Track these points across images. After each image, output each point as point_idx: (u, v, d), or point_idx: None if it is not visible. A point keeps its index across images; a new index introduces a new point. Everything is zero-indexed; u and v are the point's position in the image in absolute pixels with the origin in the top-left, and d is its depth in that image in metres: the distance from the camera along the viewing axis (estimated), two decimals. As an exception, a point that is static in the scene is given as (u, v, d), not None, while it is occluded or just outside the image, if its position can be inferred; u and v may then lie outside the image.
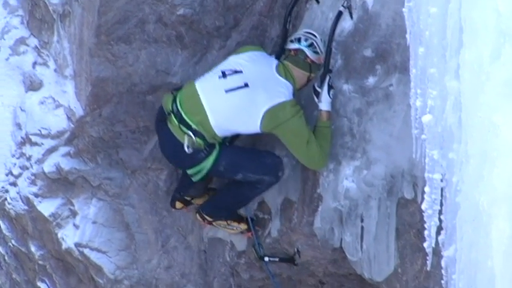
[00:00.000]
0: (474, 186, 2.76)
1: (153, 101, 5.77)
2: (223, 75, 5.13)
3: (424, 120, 3.41)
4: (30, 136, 6.29)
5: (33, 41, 6.51)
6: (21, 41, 6.53)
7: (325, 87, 5.12)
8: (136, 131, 5.95)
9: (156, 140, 5.83)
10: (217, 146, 5.21)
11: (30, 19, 6.47)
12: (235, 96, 5.05)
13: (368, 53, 5.10)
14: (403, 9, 3.56)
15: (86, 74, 5.77)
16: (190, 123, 5.10)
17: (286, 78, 5.14)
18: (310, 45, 5.16)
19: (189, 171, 5.32)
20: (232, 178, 5.45)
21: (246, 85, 5.05)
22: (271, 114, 4.99)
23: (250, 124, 5.09)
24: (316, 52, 5.16)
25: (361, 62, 5.14)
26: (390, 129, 5.00)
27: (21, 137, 6.39)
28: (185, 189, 5.79)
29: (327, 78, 5.12)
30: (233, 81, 5.08)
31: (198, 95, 5.13)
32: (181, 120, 5.12)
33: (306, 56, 5.16)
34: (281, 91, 5.07)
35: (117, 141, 6.00)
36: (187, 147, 5.08)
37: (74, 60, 6.06)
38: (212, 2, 5.53)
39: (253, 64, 5.21)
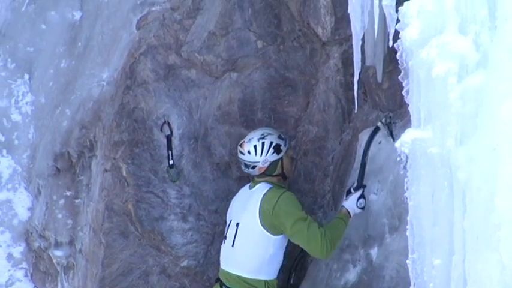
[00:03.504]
0: None
1: None
2: (225, 237, 5.26)
3: None
4: None
5: (37, 293, 6.53)
6: (25, 294, 6.55)
7: (357, 194, 5.04)
8: None
9: None
10: None
11: (34, 271, 6.53)
12: (238, 241, 5.14)
13: (372, 306, 5.05)
14: (407, 261, 3.54)
15: (89, 327, 5.72)
16: None
17: (258, 184, 5.22)
18: (246, 166, 5.24)
19: None
20: None
21: (238, 225, 5.15)
22: (262, 216, 5.00)
23: (265, 242, 5.06)
24: (255, 156, 5.19)
25: (366, 316, 5.07)
26: None
27: None
28: None
29: (361, 190, 5.06)
30: (230, 233, 5.21)
31: (223, 269, 5.22)
32: None
33: (257, 167, 5.21)
34: (258, 194, 5.11)
35: None
36: None
37: (78, 313, 6.04)
38: (215, 253, 5.60)
39: (236, 203, 5.35)
